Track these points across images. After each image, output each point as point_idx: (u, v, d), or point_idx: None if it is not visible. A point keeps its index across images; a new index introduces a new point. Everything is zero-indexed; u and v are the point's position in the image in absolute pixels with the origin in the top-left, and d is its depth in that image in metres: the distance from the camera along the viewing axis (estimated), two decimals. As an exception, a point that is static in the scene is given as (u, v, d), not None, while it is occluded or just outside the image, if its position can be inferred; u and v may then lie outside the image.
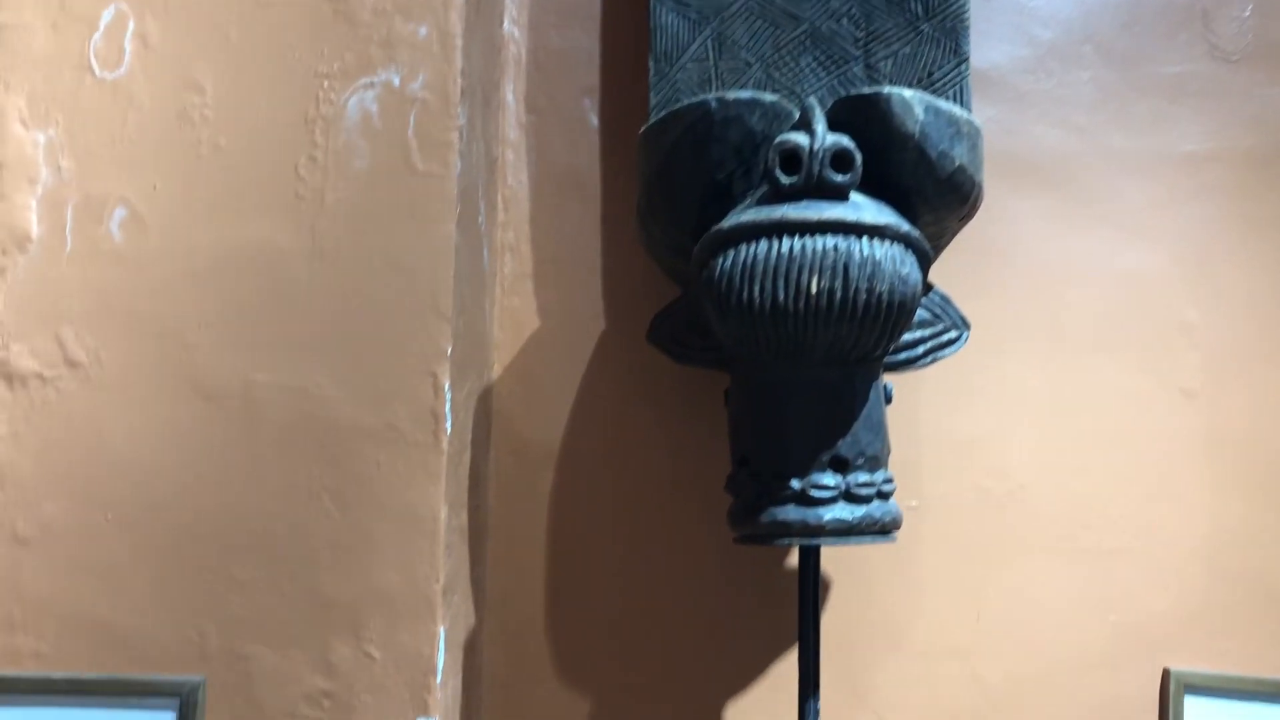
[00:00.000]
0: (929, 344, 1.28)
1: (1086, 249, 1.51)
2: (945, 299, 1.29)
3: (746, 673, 1.45)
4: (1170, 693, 1.41)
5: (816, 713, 1.27)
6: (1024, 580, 1.46)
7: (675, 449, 1.48)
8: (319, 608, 1.23)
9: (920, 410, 1.47)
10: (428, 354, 1.26)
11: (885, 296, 1.09)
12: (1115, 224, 1.51)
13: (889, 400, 1.25)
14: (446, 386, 1.25)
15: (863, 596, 1.46)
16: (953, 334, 1.29)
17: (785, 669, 1.45)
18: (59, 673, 1.21)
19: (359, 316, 1.27)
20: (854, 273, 1.07)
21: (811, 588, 1.28)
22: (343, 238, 1.28)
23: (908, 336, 1.26)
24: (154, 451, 1.25)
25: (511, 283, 1.52)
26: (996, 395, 1.49)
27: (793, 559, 1.45)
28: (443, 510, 1.24)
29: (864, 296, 1.08)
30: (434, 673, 1.22)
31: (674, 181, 1.20)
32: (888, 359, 1.25)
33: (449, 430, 1.25)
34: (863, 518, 1.17)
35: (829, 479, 1.16)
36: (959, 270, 1.42)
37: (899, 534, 1.22)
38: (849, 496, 1.17)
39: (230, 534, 1.24)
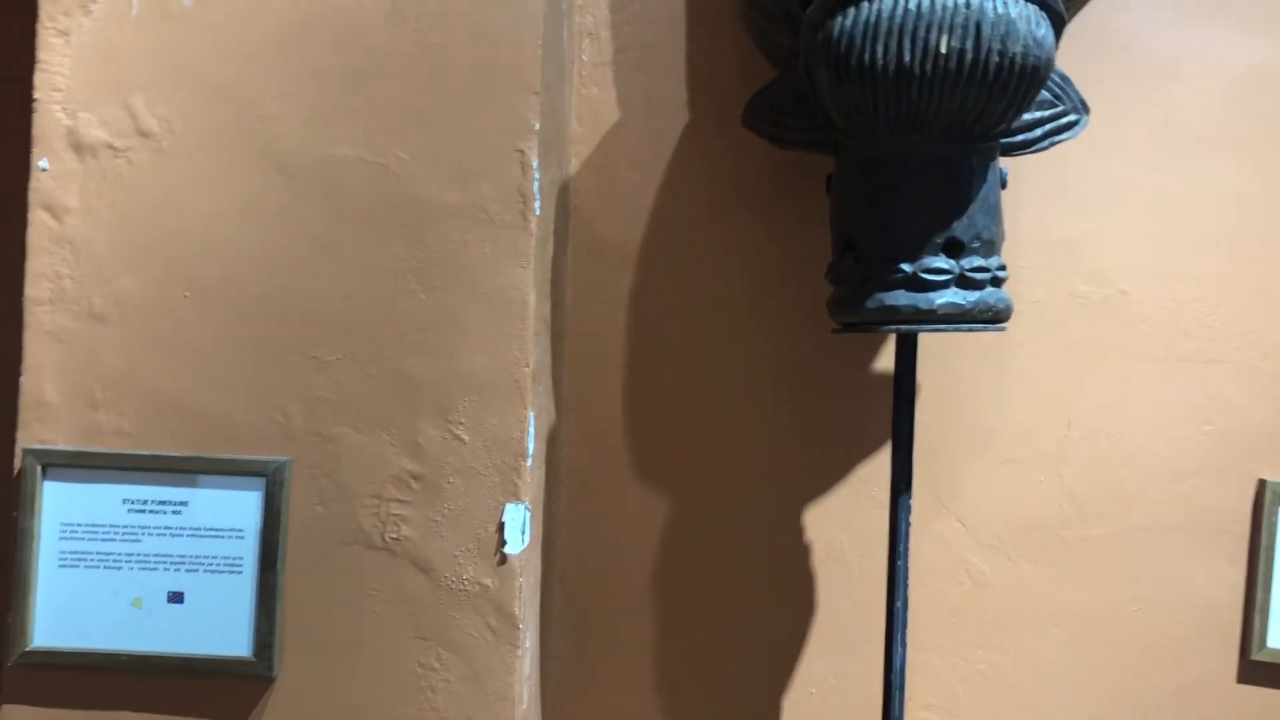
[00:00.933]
0: (1048, 126, 1.19)
1: (1203, 41, 1.41)
2: (1065, 79, 1.20)
3: (830, 473, 1.42)
4: (1266, 503, 1.38)
5: (909, 509, 1.24)
6: (1118, 388, 1.42)
7: (761, 245, 1.42)
8: (406, 389, 1.19)
9: (1018, 209, 1.40)
10: (515, 129, 1.19)
11: (1019, 59, 1.01)
12: (1236, 14, 1.41)
13: (1004, 185, 1.18)
14: (535, 165, 1.19)
15: (950, 401, 1.42)
16: (1073, 117, 1.20)
17: (868, 472, 1.42)
18: (143, 449, 1.18)
19: (442, 88, 1.19)
20: (987, 32, 1.00)
21: (908, 382, 1.23)
22: (424, 2, 1.19)
23: (1026, 117, 1.18)
24: (232, 228, 1.19)
25: (590, 71, 1.44)
26: (1098, 194, 1.41)
27: (884, 360, 1.41)
28: (531, 295, 1.19)
29: (996, 59, 1.01)
30: (524, 457, 1.19)
31: (787, -64, 1.11)
32: (1004, 140, 1.18)
33: (537, 211, 1.19)
34: (976, 303, 1.11)
35: (942, 262, 1.11)
36: (1065, 57, 1.33)
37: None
38: (962, 281, 1.12)
39: (312, 314, 1.20)
